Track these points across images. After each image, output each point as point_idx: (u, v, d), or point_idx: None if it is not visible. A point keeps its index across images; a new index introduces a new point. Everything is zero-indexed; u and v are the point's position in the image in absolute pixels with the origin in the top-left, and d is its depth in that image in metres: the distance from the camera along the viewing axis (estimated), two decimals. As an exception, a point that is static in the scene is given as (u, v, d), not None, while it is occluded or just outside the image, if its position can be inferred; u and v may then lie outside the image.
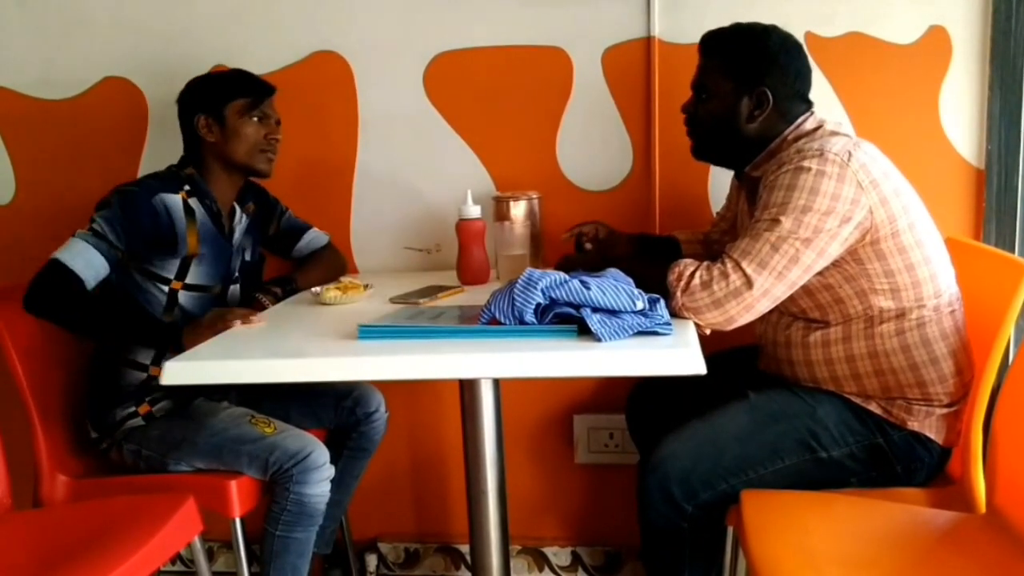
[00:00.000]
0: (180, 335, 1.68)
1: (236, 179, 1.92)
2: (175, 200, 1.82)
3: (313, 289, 1.82)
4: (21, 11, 2.24)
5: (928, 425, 1.58)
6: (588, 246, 1.95)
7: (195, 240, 1.83)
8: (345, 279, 1.84)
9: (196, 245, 1.83)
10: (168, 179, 1.85)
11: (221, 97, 1.86)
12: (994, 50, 1.95)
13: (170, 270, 1.82)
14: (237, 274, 1.96)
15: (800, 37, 1.96)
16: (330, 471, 1.77)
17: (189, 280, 1.85)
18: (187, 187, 1.85)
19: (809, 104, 1.69)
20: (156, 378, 1.83)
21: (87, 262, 1.70)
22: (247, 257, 2.00)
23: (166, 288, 1.83)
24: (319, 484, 1.74)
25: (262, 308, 1.84)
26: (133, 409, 1.83)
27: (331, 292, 1.76)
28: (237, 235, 1.95)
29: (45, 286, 1.67)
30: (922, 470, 1.61)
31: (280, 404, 1.94)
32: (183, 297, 1.85)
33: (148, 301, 1.82)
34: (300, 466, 1.72)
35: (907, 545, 1.41)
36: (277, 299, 1.91)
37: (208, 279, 1.88)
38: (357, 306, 1.74)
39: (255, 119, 1.87)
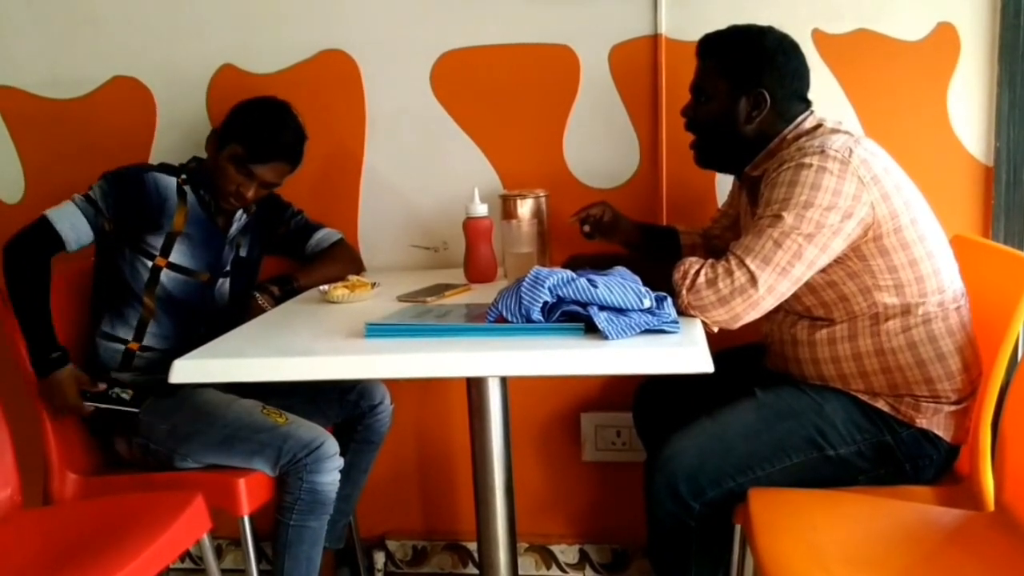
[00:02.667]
0: (48, 369, 1.77)
1: None
2: (169, 180, 1.89)
3: (320, 287, 1.82)
4: (29, 11, 2.24)
5: (936, 422, 1.58)
6: (586, 228, 1.95)
7: (182, 219, 1.89)
8: (352, 277, 1.85)
9: (183, 224, 1.89)
10: (170, 167, 1.94)
11: (231, 132, 1.88)
12: (1002, 47, 1.94)
13: (155, 245, 1.87)
14: (229, 267, 1.99)
15: (807, 34, 1.98)
16: (340, 461, 1.79)
17: (173, 259, 1.89)
18: (184, 175, 1.92)
19: (808, 103, 1.69)
20: (136, 353, 1.90)
21: (72, 225, 1.81)
22: (242, 253, 2.02)
23: (150, 263, 1.88)
24: (331, 472, 1.77)
25: (260, 309, 1.86)
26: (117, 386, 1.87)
27: (338, 290, 1.76)
28: (233, 229, 1.97)
29: (28, 237, 1.79)
30: (930, 468, 1.61)
31: (285, 400, 1.95)
32: (166, 277, 1.89)
33: (133, 276, 1.88)
34: (313, 455, 1.74)
35: (915, 543, 1.41)
36: (274, 298, 1.91)
37: (194, 263, 1.91)
38: (364, 304, 1.75)
39: (241, 171, 1.87)
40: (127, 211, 1.84)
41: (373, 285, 1.81)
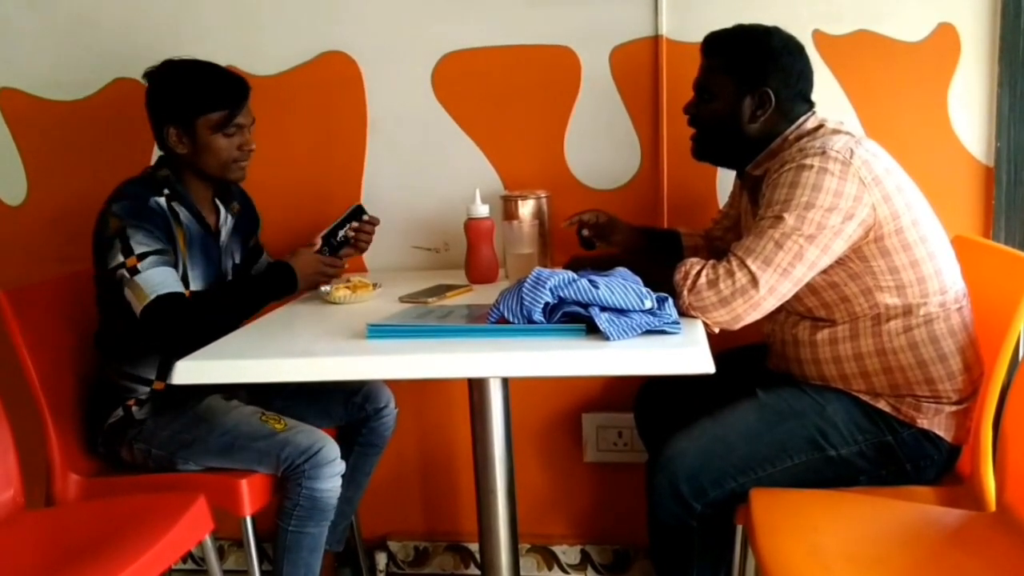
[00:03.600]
0: (289, 284, 1.80)
1: (210, 184, 1.87)
2: (163, 203, 1.78)
3: (322, 288, 1.82)
4: (32, 13, 2.25)
5: (937, 423, 1.58)
6: (585, 232, 1.95)
7: (183, 242, 1.79)
8: (355, 278, 1.83)
9: (184, 248, 1.80)
10: (149, 183, 1.81)
11: (192, 109, 1.77)
12: (1003, 47, 1.94)
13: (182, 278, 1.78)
14: (230, 277, 1.94)
15: (808, 35, 1.98)
16: (341, 466, 1.77)
17: (193, 287, 1.80)
18: (166, 190, 1.80)
19: (811, 104, 1.69)
20: (160, 392, 1.84)
21: (172, 277, 1.69)
22: (236, 259, 1.97)
23: None
24: (330, 479, 1.75)
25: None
26: (121, 403, 1.83)
27: (340, 291, 1.75)
28: (224, 236, 1.92)
29: (163, 321, 1.65)
30: (931, 468, 1.61)
31: (290, 402, 1.95)
32: None
33: None
34: (311, 461, 1.73)
35: (917, 544, 1.41)
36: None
37: (205, 283, 1.84)
38: (366, 305, 1.75)
39: (230, 132, 1.79)
40: (169, 239, 1.75)
41: (375, 286, 1.80)
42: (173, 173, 1.83)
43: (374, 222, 1.99)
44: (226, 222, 1.93)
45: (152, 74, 1.83)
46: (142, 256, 1.68)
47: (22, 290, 1.83)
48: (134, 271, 1.67)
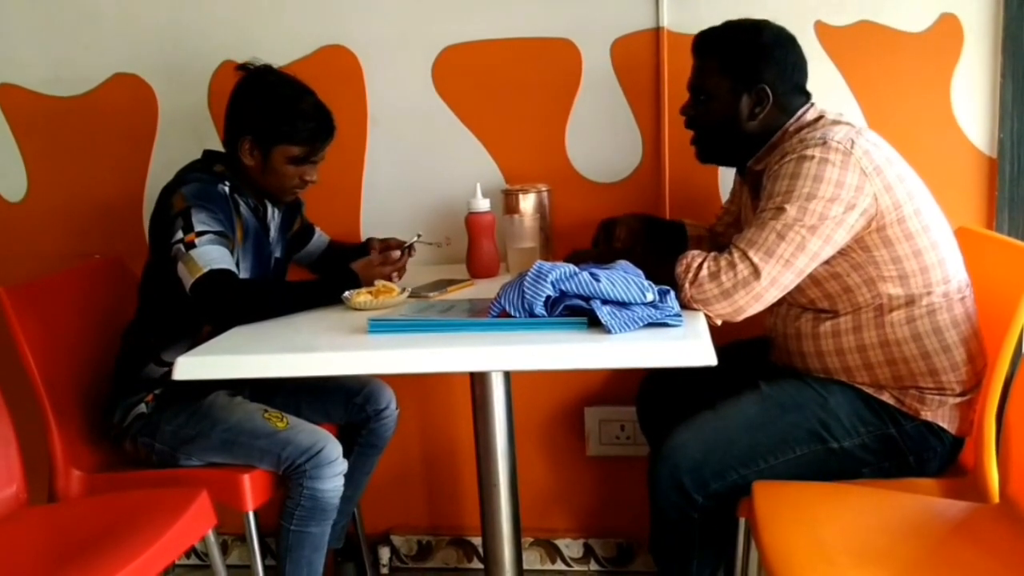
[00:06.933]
0: (355, 275, 1.73)
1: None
2: (227, 191, 1.77)
3: (345, 294, 1.69)
4: (31, 9, 2.24)
5: (941, 415, 1.58)
6: (618, 246, 1.89)
7: (240, 234, 1.78)
8: (378, 282, 1.71)
9: (240, 239, 1.78)
10: (210, 173, 1.79)
11: (275, 135, 1.76)
12: (1006, 38, 1.93)
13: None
14: (271, 274, 1.92)
15: (810, 26, 1.97)
16: (343, 465, 1.77)
17: (242, 277, 1.76)
18: (227, 182, 1.79)
19: (807, 95, 1.69)
20: (167, 384, 1.83)
21: (228, 257, 1.65)
22: (278, 254, 1.95)
23: None
24: (332, 479, 1.75)
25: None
26: (141, 397, 1.83)
27: (361, 296, 1.63)
28: (273, 232, 1.92)
29: (213, 296, 1.61)
30: (935, 460, 1.60)
31: (291, 400, 1.95)
32: None
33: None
34: (313, 461, 1.73)
35: (920, 536, 1.40)
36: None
37: (249, 277, 1.82)
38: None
39: (301, 165, 1.79)
40: (231, 228, 1.73)
41: (403, 291, 1.66)
42: (228, 169, 1.81)
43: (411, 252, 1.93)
44: (274, 217, 1.92)
45: (250, 78, 1.81)
46: (201, 234, 1.65)
47: (23, 286, 1.83)
48: (190, 246, 1.64)
